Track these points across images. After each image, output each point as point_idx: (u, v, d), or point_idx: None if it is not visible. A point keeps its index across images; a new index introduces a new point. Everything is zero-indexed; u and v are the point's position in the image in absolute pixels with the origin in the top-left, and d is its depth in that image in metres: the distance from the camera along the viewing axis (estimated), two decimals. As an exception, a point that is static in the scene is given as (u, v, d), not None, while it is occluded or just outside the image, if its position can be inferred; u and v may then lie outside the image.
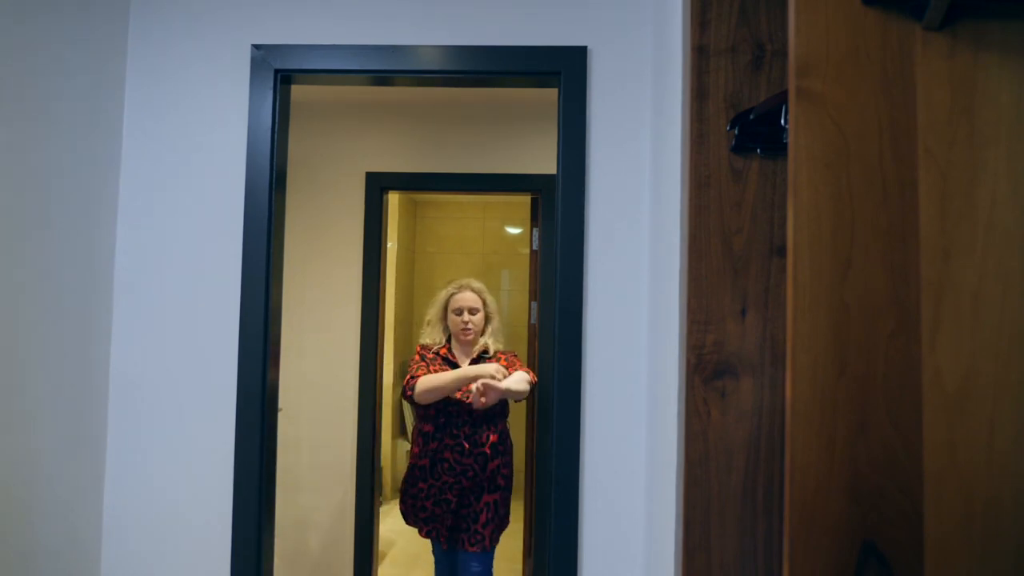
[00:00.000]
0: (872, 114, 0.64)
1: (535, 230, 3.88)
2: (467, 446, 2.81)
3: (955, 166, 0.62)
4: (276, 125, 2.13)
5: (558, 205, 2.07)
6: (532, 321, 3.96)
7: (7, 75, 1.71)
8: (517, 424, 5.80)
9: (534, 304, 3.86)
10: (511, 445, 2.96)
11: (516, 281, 6.62)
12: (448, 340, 2.98)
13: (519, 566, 3.86)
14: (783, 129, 1.10)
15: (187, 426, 2.08)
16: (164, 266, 2.13)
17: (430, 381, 2.77)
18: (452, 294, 2.96)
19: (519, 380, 2.78)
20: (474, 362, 2.91)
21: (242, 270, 2.09)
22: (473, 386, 2.69)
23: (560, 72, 2.09)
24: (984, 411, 0.60)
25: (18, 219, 1.76)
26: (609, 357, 2.04)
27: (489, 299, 2.99)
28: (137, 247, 2.14)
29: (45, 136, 1.85)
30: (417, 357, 2.92)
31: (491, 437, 2.84)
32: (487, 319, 2.97)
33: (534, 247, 3.90)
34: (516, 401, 2.88)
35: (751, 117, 1.22)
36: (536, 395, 3.63)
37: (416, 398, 2.78)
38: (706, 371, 1.29)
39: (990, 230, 0.61)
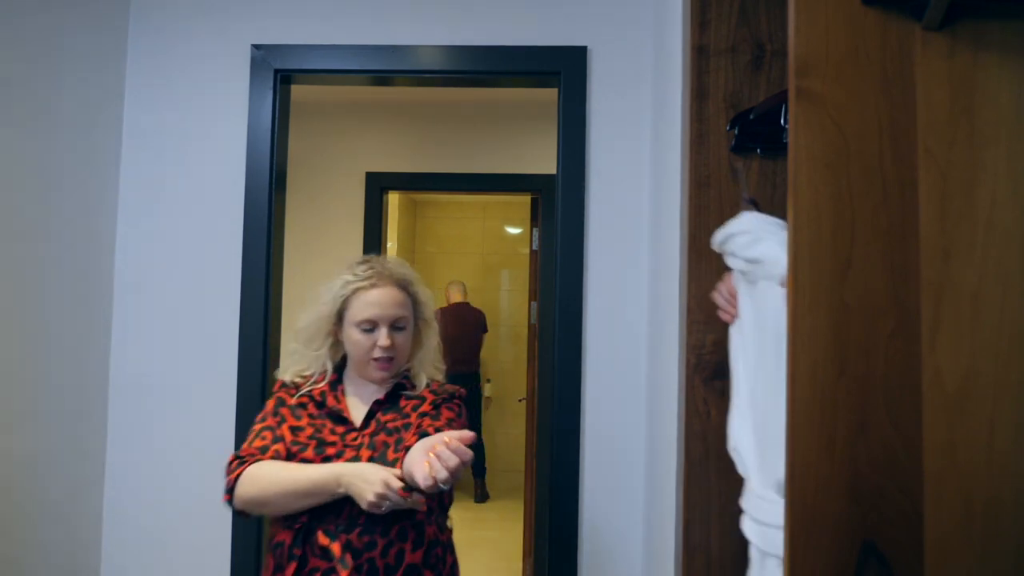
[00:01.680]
0: (872, 114, 0.64)
1: (535, 230, 3.88)
2: None
3: (955, 166, 0.62)
4: (276, 125, 2.13)
5: (558, 205, 2.07)
6: (532, 321, 3.96)
7: (7, 75, 1.71)
8: (517, 423, 5.81)
9: (534, 304, 3.85)
10: (454, 567, 1.52)
11: (516, 281, 6.61)
12: (339, 367, 1.58)
13: (519, 565, 3.86)
14: (783, 129, 1.10)
15: (187, 426, 2.08)
16: (164, 266, 2.13)
17: (264, 481, 1.38)
18: (355, 288, 1.50)
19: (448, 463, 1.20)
20: (378, 410, 1.51)
21: (242, 270, 2.09)
22: (379, 488, 1.29)
23: (560, 72, 2.09)
24: (984, 411, 0.60)
25: (18, 219, 1.76)
26: (609, 357, 2.03)
27: (422, 293, 1.59)
28: (137, 247, 2.14)
29: (45, 136, 1.84)
30: (270, 406, 1.52)
31: (407, 553, 1.40)
32: (418, 331, 1.58)
33: (534, 247, 3.90)
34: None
35: (751, 117, 1.22)
36: (536, 394, 3.63)
37: (236, 505, 1.41)
38: (706, 371, 1.29)
39: (990, 230, 0.61)
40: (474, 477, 5.70)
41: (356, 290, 1.50)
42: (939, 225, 0.62)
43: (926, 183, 0.63)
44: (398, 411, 1.52)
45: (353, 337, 1.50)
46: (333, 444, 1.47)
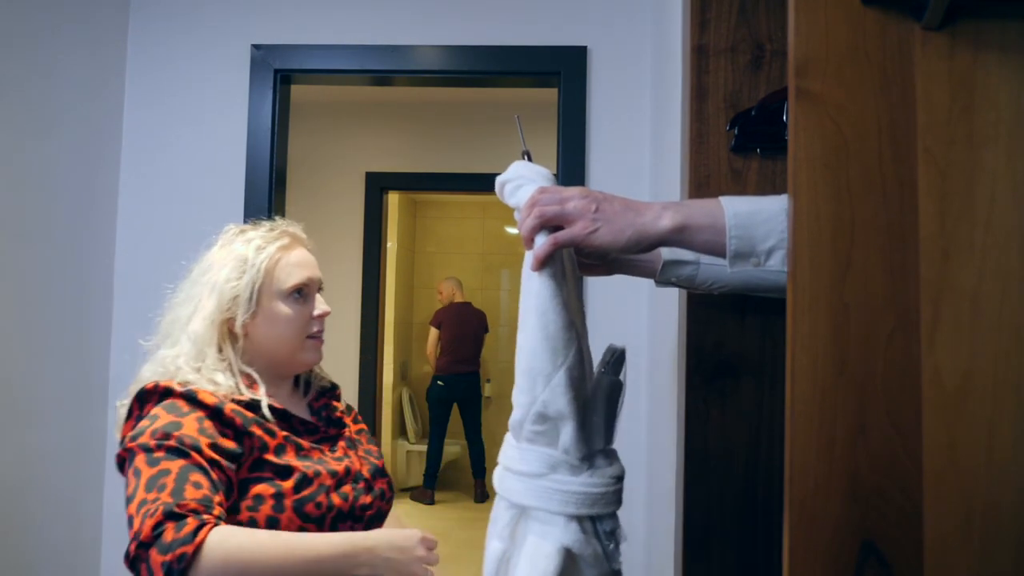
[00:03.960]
0: (872, 114, 0.64)
1: (535, 230, 3.88)
2: None
3: (954, 166, 0.62)
4: (276, 125, 2.13)
5: (558, 205, 2.07)
6: (532, 321, 3.95)
7: (7, 75, 1.71)
8: (517, 424, 5.78)
9: (534, 304, 3.85)
10: None
11: (516, 281, 6.59)
12: (243, 369, 1.18)
13: (519, 566, 3.86)
14: (783, 127, 1.10)
15: (187, 426, 2.08)
16: (164, 266, 2.13)
17: (248, 557, 0.95)
18: (278, 248, 1.22)
19: None
20: (322, 413, 1.29)
21: (242, 270, 2.09)
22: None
23: (560, 72, 2.09)
24: (984, 410, 0.60)
25: (18, 219, 1.76)
26: (609, 357, 2.03)
27: None
28: (137, 247, 2.14)
29: (45, 136, 1.84)
30: (199, 425, 1.05)
31: None
32: None
33: (534, 247, 3.89)
34: None
35: (752, 113, 1.23)
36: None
37: None
38: (706, 371, 1.29)
39: (990, 230, 0.61)
40: (474, 477, 5.70)
41: (279, 249, 1.21)
42: (939, 225, 0.62)
43: (925, 183, 0.63)
44: (332, 414, 1.29)
45: (282, 313, 1.19)
46: (322, 461, 1.16)
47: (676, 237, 0.86)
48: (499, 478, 0.86)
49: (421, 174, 4.00)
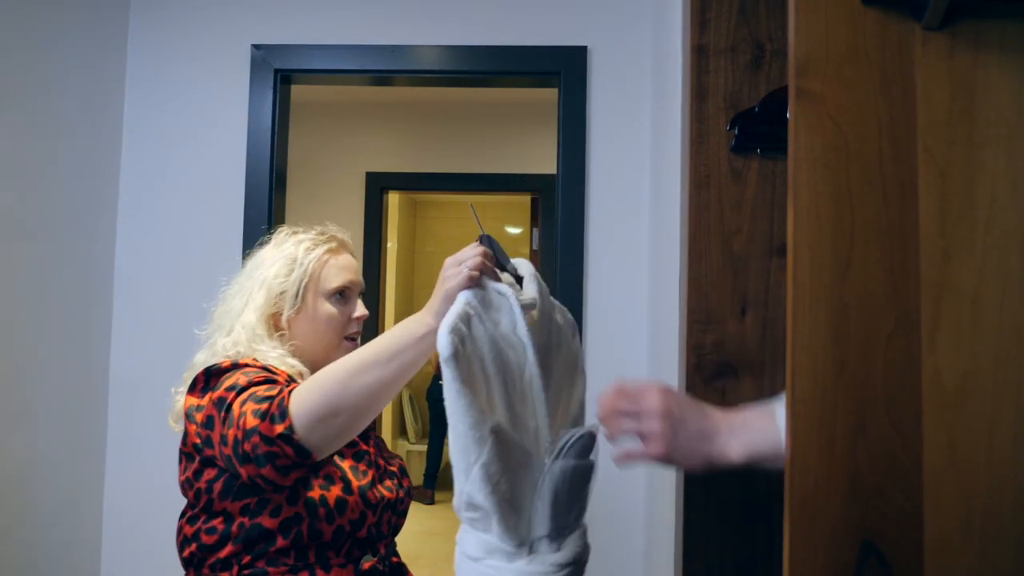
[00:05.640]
0: (872, 114, 0.64)
1: (535, 230, 3.89)
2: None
3: (955, 166, 0.62)
4: (276, 125, 2.13)
5: (558, 205, 2.07)
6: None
7: (7, 75, 1.71)
8: (517, 424, 5.79)
9: (534, 304, 3.86)
10: None
11: (516, 281, 6.60)
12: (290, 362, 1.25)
13: (519, 566, 3.86)
14: (783, 127, 1.10)
15: (187, 426, 2.09)
16: (164, 266, 2.13)
17: (329, 374, 1.02)
18: (326, 250, 1.28)
19: None
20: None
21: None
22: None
23: (560, 72, 2.09)
24: (984, 411, 0.60)
25: (18, 219, 1.76)
26: (609, 357, 2.03)
27: None
28: (137, 247, 2.14)
29: (45, 136, 1.85)
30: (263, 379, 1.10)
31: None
32: None
33: (534, 247, 3.90)
34: None
35: (756, 111, 1.23)
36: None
37: (301, 429, 0.97)
38: (706, 371, 1.29)
39: (990, 230, 0.61)
40: (474, 477, 5.70)
41: (326, 252, 1.28)
42: (939, 225, 0.62)
43: (926, 183, 0.63)
44: None
45: (325, 311, 1.25)
46: (366, 455, 1.27)
47: (744, 466, 0.90)
48: (455, 557, 0.91)
49: (421, 174, 4.00)
